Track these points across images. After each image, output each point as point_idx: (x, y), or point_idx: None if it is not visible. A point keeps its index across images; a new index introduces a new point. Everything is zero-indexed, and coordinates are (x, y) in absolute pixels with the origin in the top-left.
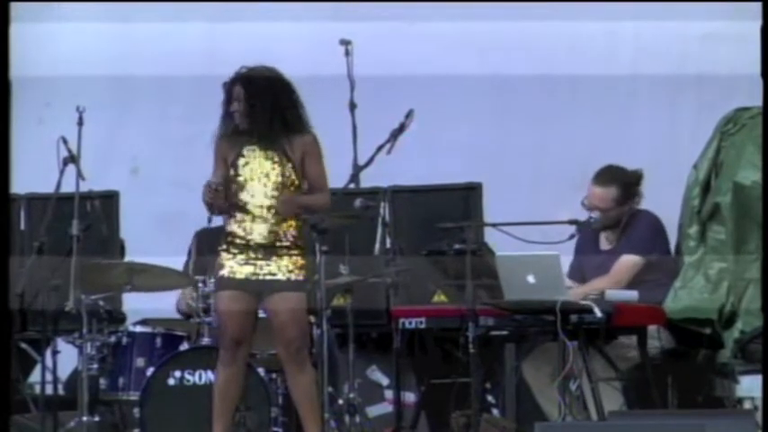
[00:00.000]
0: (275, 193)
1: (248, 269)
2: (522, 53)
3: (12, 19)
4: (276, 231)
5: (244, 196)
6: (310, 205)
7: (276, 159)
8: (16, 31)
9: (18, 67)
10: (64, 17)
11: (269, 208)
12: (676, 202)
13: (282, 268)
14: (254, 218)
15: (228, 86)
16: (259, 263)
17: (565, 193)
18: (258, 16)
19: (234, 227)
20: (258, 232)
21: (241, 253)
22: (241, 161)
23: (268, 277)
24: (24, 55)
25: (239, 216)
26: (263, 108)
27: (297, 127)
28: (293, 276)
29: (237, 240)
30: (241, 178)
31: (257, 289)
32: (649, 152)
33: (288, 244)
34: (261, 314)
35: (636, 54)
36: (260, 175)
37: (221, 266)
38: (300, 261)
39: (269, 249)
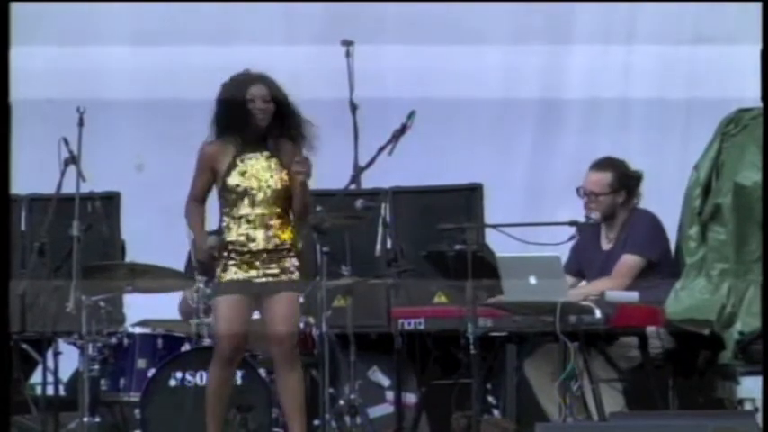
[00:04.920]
0: (275, 201)
1: (252, 273)
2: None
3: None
4: (277, 236)
5: (244, 205)
6: (308, 196)
7: (275, 166)
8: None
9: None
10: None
11: (270, 215)
12: (671, 208)
13: (284, 269)
14: (255, 226)
15: (242, 86)
16: (262, 267)
17: (564, 194)
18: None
19: (234, 236)
20: (260, 239)
21: (243, 259)
22: (237, 169)
23: (271, 279)
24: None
25: (241, 225)
26: (285, 111)
27: (295, 136)
28: (288, 276)
29: (239, 248)
30: (240, 188)
31: (257, 291)
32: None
33: (288, 246)
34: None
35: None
36: (261, 184)
37: (223, 273)
38: (297, 262)
39: (270, 253)
